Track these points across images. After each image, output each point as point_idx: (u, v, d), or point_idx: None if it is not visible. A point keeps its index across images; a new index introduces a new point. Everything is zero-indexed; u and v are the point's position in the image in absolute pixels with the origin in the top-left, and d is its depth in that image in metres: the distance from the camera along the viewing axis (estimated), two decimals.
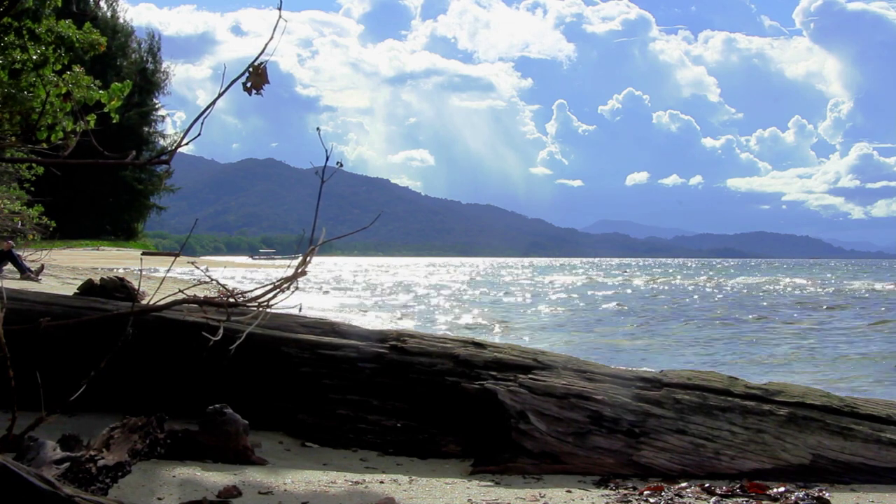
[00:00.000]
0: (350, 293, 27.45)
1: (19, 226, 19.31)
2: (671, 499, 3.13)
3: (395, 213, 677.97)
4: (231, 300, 2.58)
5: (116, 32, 61.31)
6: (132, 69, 61.09)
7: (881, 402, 4.26)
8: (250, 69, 2.37)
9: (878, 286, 34.75)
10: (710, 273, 62.31)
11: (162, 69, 69.04)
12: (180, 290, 2.65)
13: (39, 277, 16.21)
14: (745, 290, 32.24)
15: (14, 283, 12.87)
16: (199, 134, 2.40)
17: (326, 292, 27.21)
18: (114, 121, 7.84)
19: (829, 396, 4.05)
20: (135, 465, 2.49)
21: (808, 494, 3.22)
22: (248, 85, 2.38)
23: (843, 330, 15.08)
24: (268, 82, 2.39)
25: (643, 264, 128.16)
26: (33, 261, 18.59)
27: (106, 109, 7.56)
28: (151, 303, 2.75)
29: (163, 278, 3.28)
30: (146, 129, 67.46)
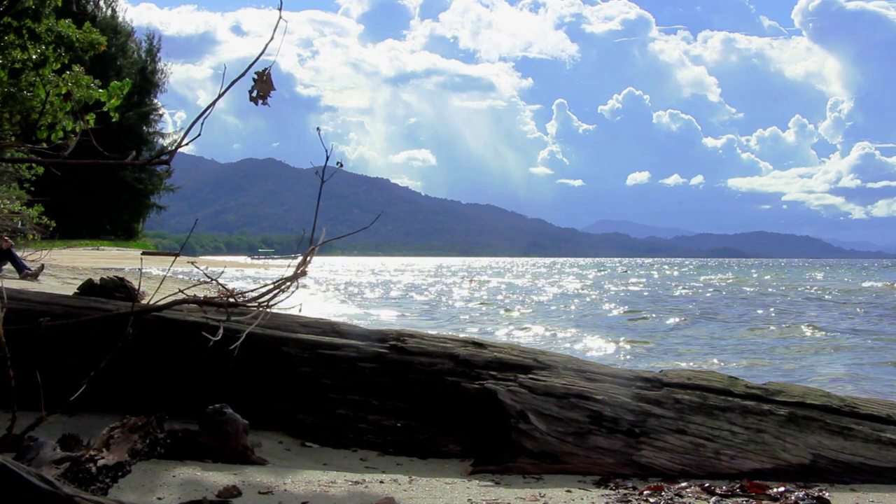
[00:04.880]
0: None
1: (19, 226, 19.31)
2: (671, 499, 3.13)
3: (395, 213, 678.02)
4: (231, 300, 2.59)
5: (117, 32, 61.30)
6: (132, 69, 61.12)
7: (881, 401, 4.26)
8: (255, 76, 2.36)
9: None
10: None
11: (160, 68, 69.10)
12: (180, 290, 2.65)
13: (39, 277, 16.21)
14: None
15: (14, 283, 12.87)
16: (200, 134, 2.40)
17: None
18: (113, 119, 7.84)
19: (829, 396, 4.05)
20: (135, 465, 2.49)
21: (808, 494, 3.22)
22: (255, 94, 2.37)
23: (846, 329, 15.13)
24: (274, 89, 2.39)
25: (642, 264, 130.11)
26: (33, 261, 18.58)
27: (105, 108, 7.57)
28: (151, 303, 2.75)
29: (163, 278, 3.28)
30: (146, 129, 67.44)
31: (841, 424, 3.85)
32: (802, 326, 14.89)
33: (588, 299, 25.00)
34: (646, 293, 29.60)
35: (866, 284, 36.96)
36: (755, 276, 55.44)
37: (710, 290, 32.04)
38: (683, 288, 32.87)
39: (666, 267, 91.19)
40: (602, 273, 61.66)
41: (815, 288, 31.59)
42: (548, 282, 40.10)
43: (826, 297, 26.47)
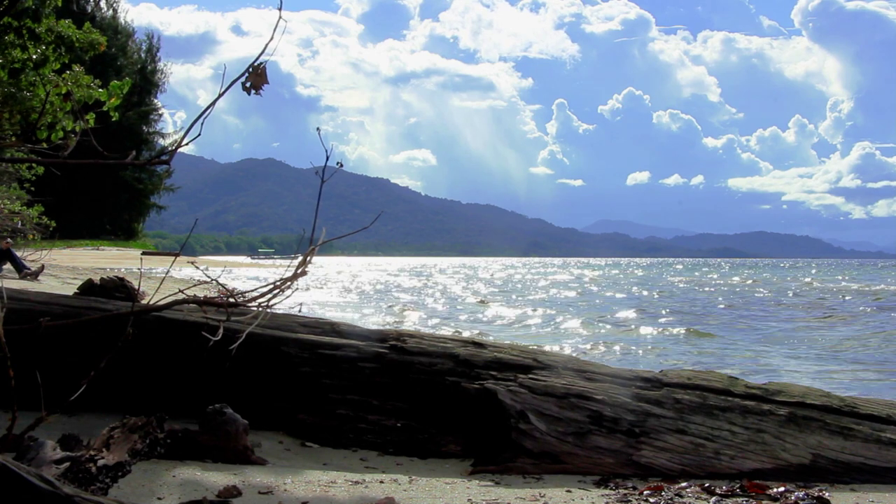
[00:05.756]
0: None
1: (19, 226, 19.31)
2: (671, 498, 3.13)
3: (395, 213, 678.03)
4: (231, 300, 2.59)
5: (118, 33, 61.33)
6: (132, 69, 61.13)
7: (881, 401, 4.27)
8: (250, 69, 2.37)
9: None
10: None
11: (160, 68, 69.16)
12: (180, 290, 2.65)
13: (39, 277, 16.20)
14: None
15: (14, 283, 12.87)
16: (200, 134, 2.40)
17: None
18: (113, 119, 7.84)
19: (829, 396, 4.05)
20: (135, 465, 2.49)
21: (808, 494, 3.22)
22: (248, 85, 2.38)
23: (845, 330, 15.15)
24: (267, 82, 2.39)
25: (642, 264, 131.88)
26: (33, 261, 18.59)
27: (105, 108, 7.56)
28: (151, 303, 2.75)
29: (163, 278, 3.28)
30: (146, 128, 67.46)
31: (841, 424, 3.85)
32: (695, 328, 15.03)
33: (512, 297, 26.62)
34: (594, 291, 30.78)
35: (830, 284, 37.89)
36: (719, 275, 57.41)
37: (664, 289, 33.28)
38: (635, 289, 33.74)
39: (652, 268, 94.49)
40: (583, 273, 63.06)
41: (767, 290, 32.68)
42: (492, 281, 41.17)
43: (782, 298, 27.01)
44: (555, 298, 25.62)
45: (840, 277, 50.05)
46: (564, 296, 27.65)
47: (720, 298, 26.14)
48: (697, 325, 15.41)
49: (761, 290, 33.03)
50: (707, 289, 34.07)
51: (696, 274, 57.07)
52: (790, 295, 28.43)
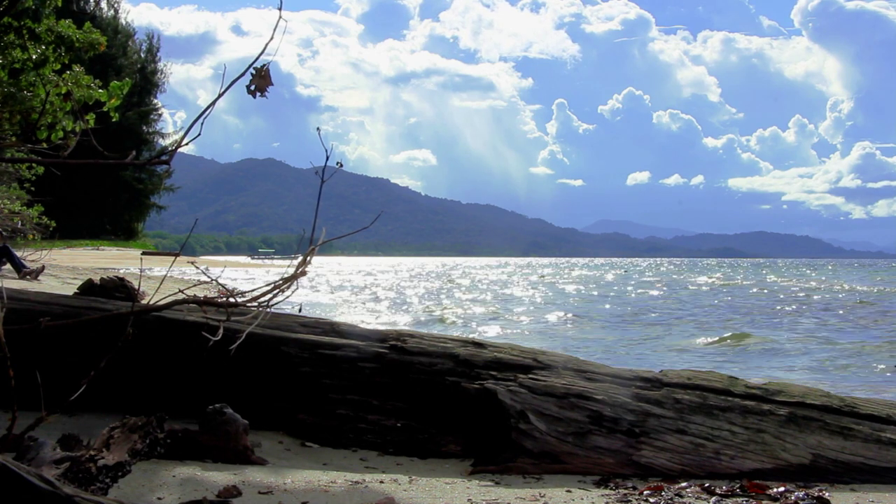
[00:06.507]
0: None
1: (19, 226, 19.31)
2: (671, 498, 3.13)
3: (395, 213, 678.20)
4: (231, 300, 2.59)
5: (118, 33, 61.33)
6: (132, 69, 61.17)
7: (881, 402, 4.27)
8: (253, 71, 2.37)
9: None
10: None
11: (160, 68, 69.18)
12: (180, 290, 2.65)
13: (39, 277, 16.19)
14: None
15: (14, 283, 12.86)
16: (200, 134, 2.40)
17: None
18: (113, 119, 7.84)
19: (829, 396, 4.05)
20: (135, 465, 2.49)
21: (808, 494, 3.22)
22: (252, 88, 2.37)
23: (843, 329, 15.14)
24: (272, 84, 2.39)
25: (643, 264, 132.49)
26: (33, 261, 18.57)
27: (105, 108, 7.56)
28: (151, 303, 2.75)
29: (163, 278, 3.28)
30: (146, 129, 67.42)
31: (841, 424, 3.85)
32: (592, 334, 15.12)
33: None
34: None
35: (788, 285, 38.40)
36: (692, 273, 59.12)
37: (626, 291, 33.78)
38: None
39: (643, 267, 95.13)
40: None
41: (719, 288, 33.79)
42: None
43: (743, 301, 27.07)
44: (507, 298, 25.72)
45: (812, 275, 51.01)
46: (521, 295, 27.98)
47: (662, 299, 26.62)
48: (599, 327, 15.78)
49: (724, 289, 33.84)
50: (669, 289, 34.24)
51: (675, 276, 57.22)
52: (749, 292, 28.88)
